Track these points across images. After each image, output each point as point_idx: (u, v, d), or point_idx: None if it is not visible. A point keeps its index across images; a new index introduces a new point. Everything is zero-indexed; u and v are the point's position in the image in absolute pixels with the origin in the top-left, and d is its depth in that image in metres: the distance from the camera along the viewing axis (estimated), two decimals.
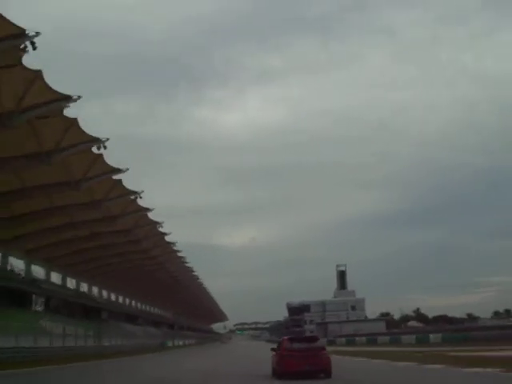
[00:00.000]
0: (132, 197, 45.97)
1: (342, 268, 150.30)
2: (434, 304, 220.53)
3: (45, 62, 27.44)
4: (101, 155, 36.51)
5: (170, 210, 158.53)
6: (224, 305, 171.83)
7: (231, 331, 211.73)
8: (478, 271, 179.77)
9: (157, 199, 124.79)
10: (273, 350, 19.60)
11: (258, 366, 23.32)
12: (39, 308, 57.53)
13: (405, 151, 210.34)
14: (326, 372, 16.91)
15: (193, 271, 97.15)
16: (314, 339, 19.23)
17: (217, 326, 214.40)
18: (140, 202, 47.87)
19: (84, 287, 73.83)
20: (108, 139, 34.22)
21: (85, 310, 66.32)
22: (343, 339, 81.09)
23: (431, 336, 56.76)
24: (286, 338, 19.33)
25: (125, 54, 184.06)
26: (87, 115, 35.19)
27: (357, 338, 76.33)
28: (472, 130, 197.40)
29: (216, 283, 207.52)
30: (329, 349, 21.36)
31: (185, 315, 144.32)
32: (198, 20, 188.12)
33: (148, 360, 37.57)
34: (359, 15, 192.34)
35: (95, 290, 78.81)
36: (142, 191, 44.74)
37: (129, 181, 43.43)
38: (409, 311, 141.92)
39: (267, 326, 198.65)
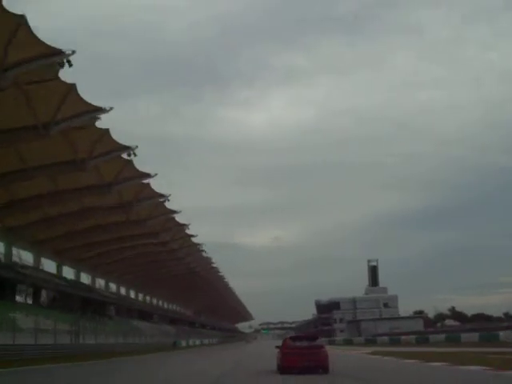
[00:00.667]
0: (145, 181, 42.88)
1: (374, 263, 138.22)
2: (462, 303, 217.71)
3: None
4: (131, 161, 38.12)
5: (193, 210, 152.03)
6: (249, 304, 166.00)
7: (256, 331, 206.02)
8: (504, 271, 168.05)
9: (180, 199, 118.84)
10: (277, 347, 20.19)
11: (269, 363, 22.05)
12: (29, 300, 48.85)
13: (428, 151, 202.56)
14: (324, 368, 17.99)
15: (212, 262, 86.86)
16: (313, 338, 20.31)
17: (242, 326, 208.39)
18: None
19: (88, 279, 64.83)
20: (137, 147, 36.41)
21: (84, 304, 56.89)
22: (385, 338, 70.63)
23: (501, 334, 46.06)
24: (288, 337, 21.31)
25: (148, 54, 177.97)
26: (110, 117, 32.85)
27: (402, 337, 65.64)
28: (496, 130, 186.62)
29: (241, 283, 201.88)
30: (371, 349, 17.30)
31: (207, 313, 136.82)
32: (222, 19, 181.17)
33: (140, 362, 27.97)
34: (385, 15, 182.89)
35: (101, 282, 69.76)
36: (156, 174, 42.19)
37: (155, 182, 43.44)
38: (442, 309, 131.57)
39: (293, 325, 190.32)
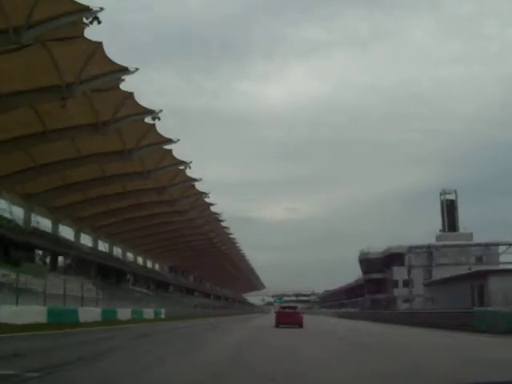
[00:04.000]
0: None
1: (451, 196, 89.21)
2: None
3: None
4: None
5: (209, 184, 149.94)
6: (262, 276, 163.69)
7: (269, 303, 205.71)
8: None
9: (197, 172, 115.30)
10: (275, 313, 34.43)
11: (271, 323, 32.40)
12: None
13: (450, 127, 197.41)
14: (299, 324, 29.77)
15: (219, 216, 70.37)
16: (294, 307, 34.36)
17: (253, 298, 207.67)
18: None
19: None
20: (161, 110, 35.59)
21: None
22: None
23: None
24: (280, 306, 37.68)
25: (163, 24, 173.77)
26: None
27: None
28: None
29: (255, 256, 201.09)
30: None
31: (205, 277, 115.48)
32: None
33: None
34: None
35: None
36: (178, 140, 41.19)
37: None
38: None
39: (312, 298, 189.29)
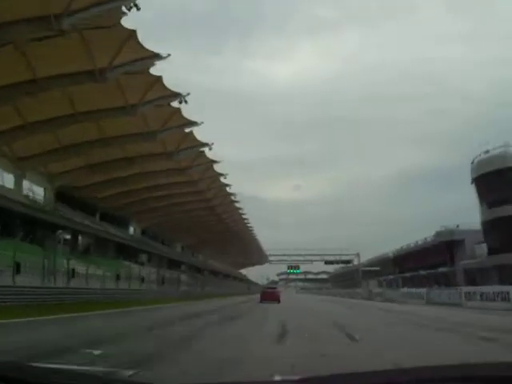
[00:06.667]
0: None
1: None
2: None
3: None
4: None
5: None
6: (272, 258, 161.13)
7: (274, 282, 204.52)
8: None
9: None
10: (260, 292, 43.08)
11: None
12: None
13: (457, 107, 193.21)
14: (278, 300, 37.87)
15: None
16: (274, 288, 45.62)
17: (259, 273, 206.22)
18: None
19: None
20: (188, 94, 36.00)
21: None
22: None
23: None
24: (265, 287, 52.24)
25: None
26: None
27: None
28: None
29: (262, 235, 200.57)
30: None
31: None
32: None
33: None
34: None
35: None
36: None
37: None
38: None
39: (321, 276, 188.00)
